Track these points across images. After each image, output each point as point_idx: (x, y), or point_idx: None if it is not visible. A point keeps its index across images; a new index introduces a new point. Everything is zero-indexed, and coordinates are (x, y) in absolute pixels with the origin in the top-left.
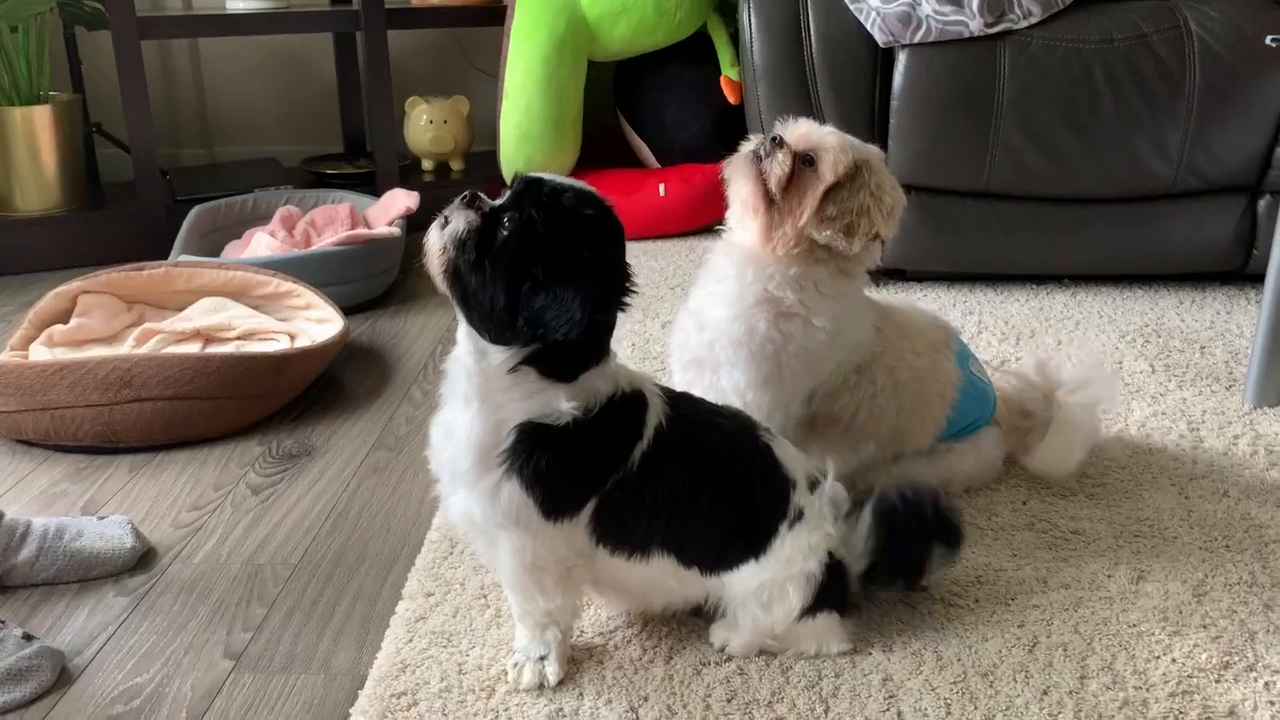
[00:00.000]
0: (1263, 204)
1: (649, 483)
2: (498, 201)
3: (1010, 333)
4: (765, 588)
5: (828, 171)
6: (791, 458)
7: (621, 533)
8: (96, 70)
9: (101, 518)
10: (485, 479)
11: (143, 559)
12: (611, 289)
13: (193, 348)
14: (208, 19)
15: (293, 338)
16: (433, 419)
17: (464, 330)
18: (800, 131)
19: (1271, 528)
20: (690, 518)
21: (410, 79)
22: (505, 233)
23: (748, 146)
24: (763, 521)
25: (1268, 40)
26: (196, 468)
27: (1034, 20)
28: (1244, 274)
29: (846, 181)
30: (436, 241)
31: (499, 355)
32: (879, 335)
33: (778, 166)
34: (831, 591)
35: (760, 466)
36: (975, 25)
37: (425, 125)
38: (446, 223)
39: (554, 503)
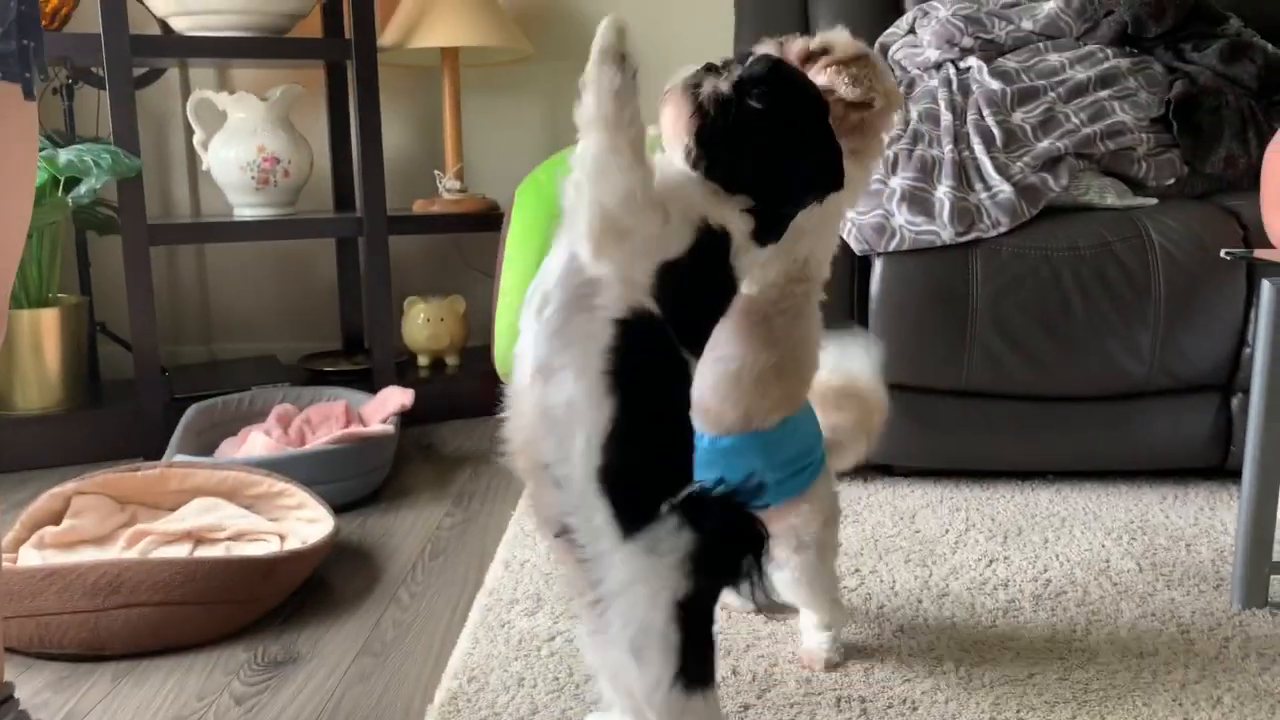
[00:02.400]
0: (1235, 401)
1: None
2: (737, 74)
3: (997, 530)
4: None
5: (839, 51)
6: None
7: None
8: (103, 271)
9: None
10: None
11: None
12: (830, 169)
13: (183, 549)
14: (216, 226)
15: (283, 538)
16: None
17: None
18: (819, 37)
19: None
20: None
21: (409, 279)
22: (757, 105)
23: (767, 42)
24: None
25: (1223, 254)
26: (180, 675)
27: (1003, 229)
28: (1224, 469)
29: (854, 60)
30: (685, 104)
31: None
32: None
33: (796, 45)
34: None
35: None
36: (946, 235)
37: (423, 324)
38: (696, 86)
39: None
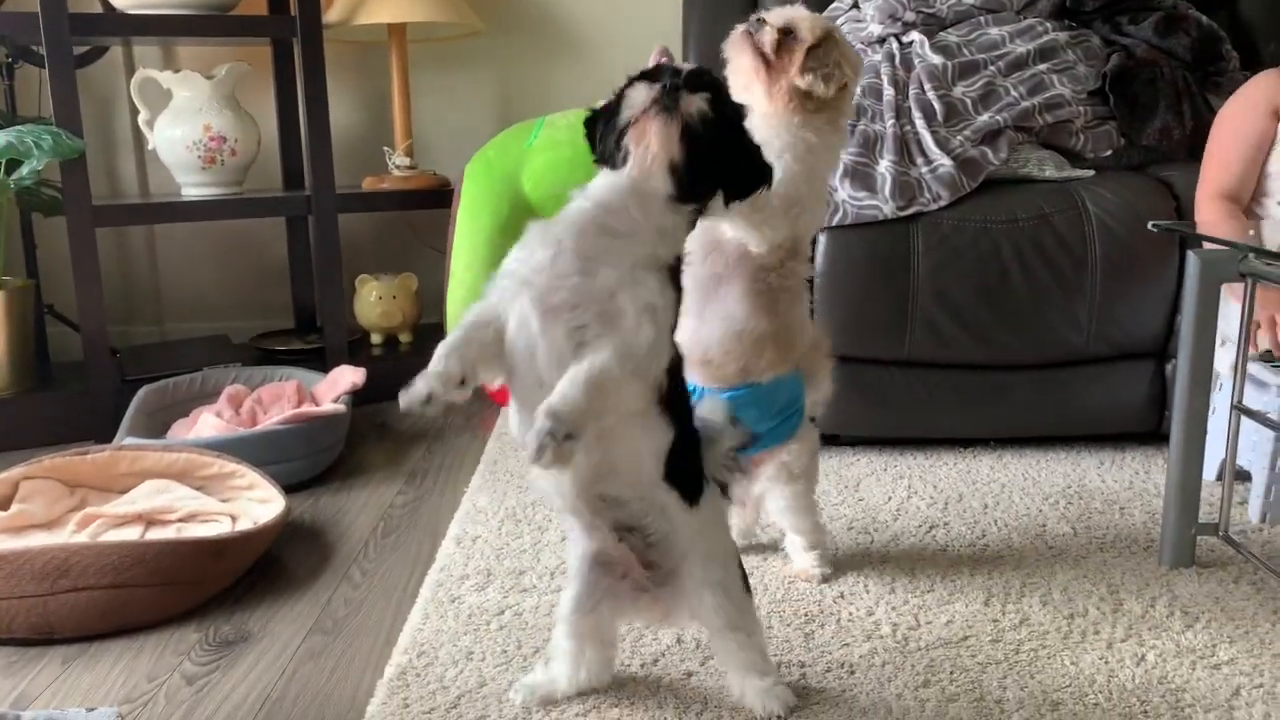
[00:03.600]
0: (1170, 368)
1: None
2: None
3: (939, 497)
4: None
5: (807, 35)
6: None
7: None
8: (51, 251)
9: (91, 709)
10: (659, 274)
11: None
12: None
13: (134, 531)
14: (163, 206)
15: (234, 519)
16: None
17: (660, 184)
18: (777, 13)
19: (1187, 691)
20: None
21: (360, 257)
22: (726, 115)
23: (739, 29)
24: None
25: (1150, 225)
26: (131, 658)
27: (943, 203)
28: (1159, 434)
29: (821, 43)
30: (662, 129)
31: (687, 211)
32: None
33: (767, 35)
34: None
35: None
36: (888, 209)
37: (374, 301)
38: (667, 106)
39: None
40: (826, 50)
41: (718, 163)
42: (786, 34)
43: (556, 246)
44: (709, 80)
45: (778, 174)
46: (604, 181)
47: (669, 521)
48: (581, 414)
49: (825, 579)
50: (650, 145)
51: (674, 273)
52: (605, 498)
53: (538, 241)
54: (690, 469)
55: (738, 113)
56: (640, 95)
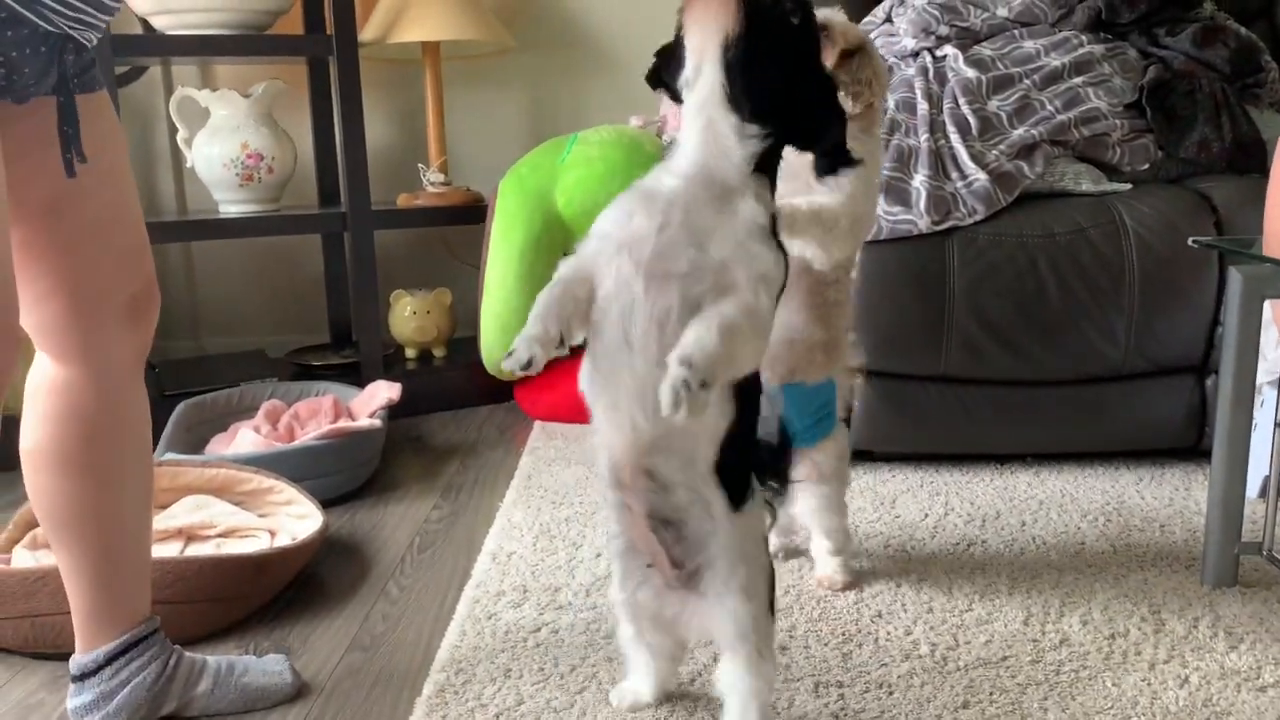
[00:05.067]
0: (1210, 383)
1: None
2: None
3: (976, 514)
4: None
5: (839, 39)
6: None
7: None
8: None
9: (261, 656)
10: (770, 241)
11: (299, 691)
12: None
13: (174, 547)
14: (201, 224)
15: (273, 534)
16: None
17: (730, 125)
18: (820, 11)
19: (1232, 715)
20: None
21: (395, 272)
22: (793, 18)
23: None
24: None
25: (1190, 241)
26: None
27: (979, 217)
28: (1199, 450)
29: (855, 53)
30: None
31: (752, 144)
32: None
33: None
34: None
35: None
36: (923, 223)
37: (409, 316)
38: None
39: (780, 279)
40: (860, 64)
41: (773, 53)
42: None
43: (664, 218)
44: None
45: (841, 191)
46: (680, 153)
47: (710, 519)
48: (717, 360)
49: (847, 586)
50: (697, 16)
51: (776, 234)
52: (654, 475)
53: (639, 207)
54: (742, 468)
55: (811, 23)
56: None
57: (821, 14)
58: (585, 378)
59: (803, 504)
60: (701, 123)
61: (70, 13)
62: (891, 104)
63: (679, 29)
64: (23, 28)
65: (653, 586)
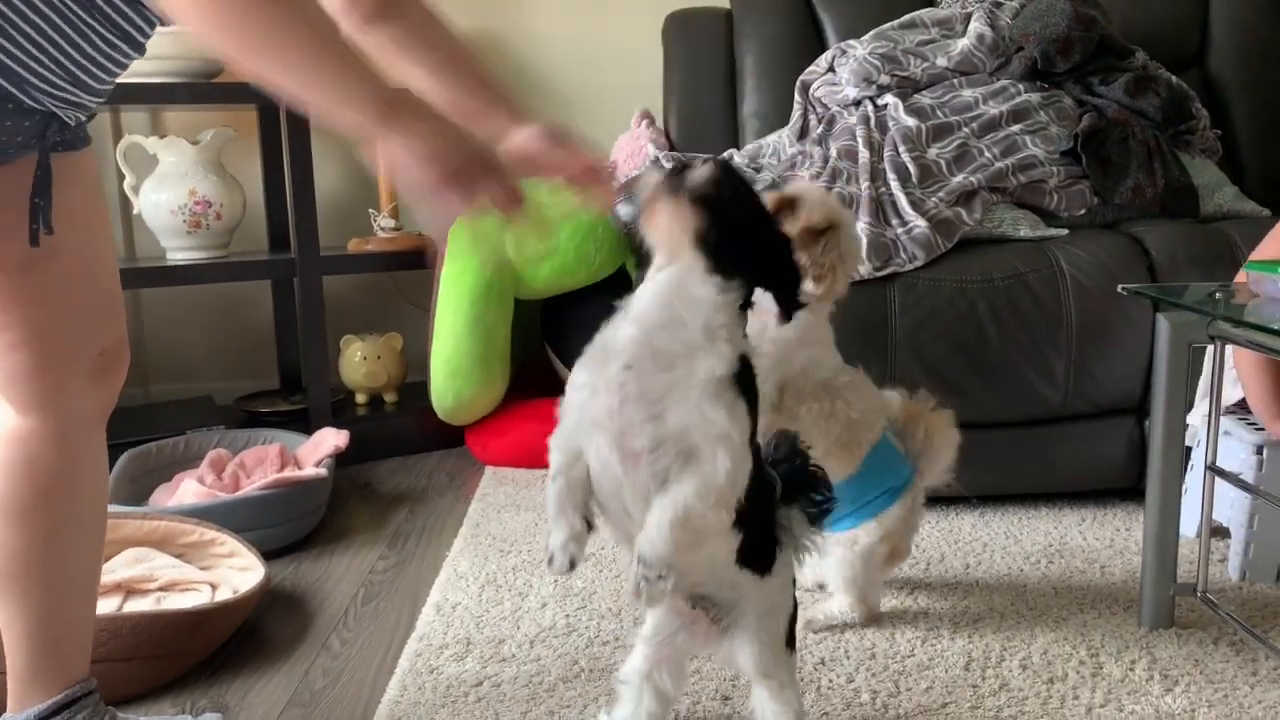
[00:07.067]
0: (1148, 423)
1: None
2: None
3: (921, 558)
4: None
5: (808, 214)
6: None
7: None
8: None
9: (198, 715)
10: (724, 395)
11: None
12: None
13: (112, 601)
14: (149, 271)
15: (214, 587)
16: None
17: (700, 277)
18: (794, 184)
19: None
20: None
21: (346, 317)
22: (739, 190)
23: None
24: None
25: (1119, 289)
26: None
27: (919, 263)
28: (1138, 490)
29: (824, 234)
30: (678, 201)
31: (730, 295)
32: (836, 383)
33: (770, 198)
34: None
35: None
36: (864, 269)
37: (359, 361)
38: (675, 185)
39: (750, 420)
40: (828, 246)
41: (741, 231)
42: (789, 204)
43: (621, 392)
44: (726, 162)
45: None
46: (643, 292)
47: (739, 592)
48: (669, 557)
49: (813, 627)
50: (662, 223)
51: (742, 379)
52: (680, 586)
53: (599, 376)
54: (765, 549)
55: (750, 188)
56: (648, 179)
57: (801, 186)
58: (606, 532)
59: (826, 560)
60: (671, 274)
61: (57, 93)
62: (834, 151)
63: (639, 233)
64: (8, 102)
65: (691, 632)
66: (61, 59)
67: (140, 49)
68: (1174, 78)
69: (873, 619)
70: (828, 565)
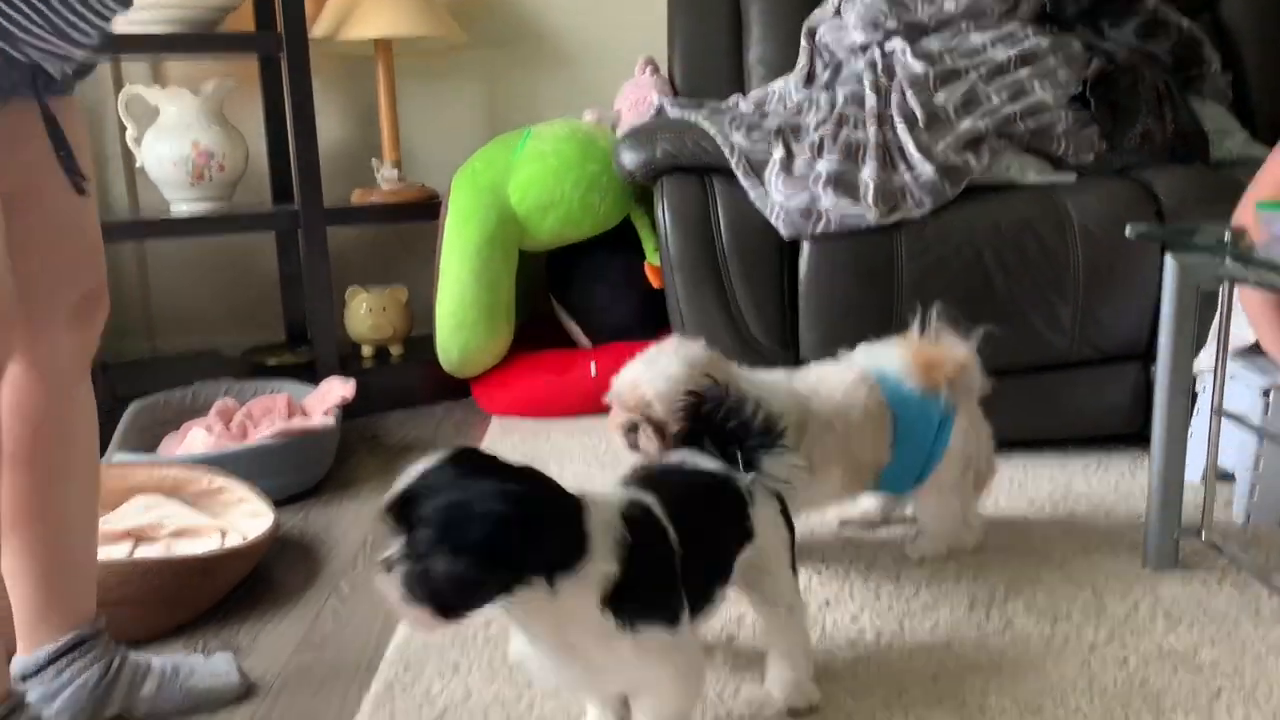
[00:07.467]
0: (1154, 369)
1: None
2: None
3: None
4: None
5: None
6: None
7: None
8: None
9: (209, 655)
10: (630, 656)
11: (246, 691)
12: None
13: (123, 548)
14: (153, 223)
15: (224, 534)
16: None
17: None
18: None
19: (1168, 695)
20: None
21: (350, 270)
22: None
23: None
24: None
25: (1127, 232)
26: None
27: (926, 210)
28: (1143, 435)
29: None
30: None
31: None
32: (811, 404)
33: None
34: None
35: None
36: (872, 216)
37: (365, 314)
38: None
39: (668, 615)
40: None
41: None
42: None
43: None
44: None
45: None
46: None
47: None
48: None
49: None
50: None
51: (628, 569)
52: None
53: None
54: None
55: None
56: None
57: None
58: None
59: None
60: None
61: (40, 44)
62: (841, 97)
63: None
64: None
65: None
66: (42, 7)
67: (125, 1)
68: (1185, 22)
69: (979, 544)
70: (922, 508)
